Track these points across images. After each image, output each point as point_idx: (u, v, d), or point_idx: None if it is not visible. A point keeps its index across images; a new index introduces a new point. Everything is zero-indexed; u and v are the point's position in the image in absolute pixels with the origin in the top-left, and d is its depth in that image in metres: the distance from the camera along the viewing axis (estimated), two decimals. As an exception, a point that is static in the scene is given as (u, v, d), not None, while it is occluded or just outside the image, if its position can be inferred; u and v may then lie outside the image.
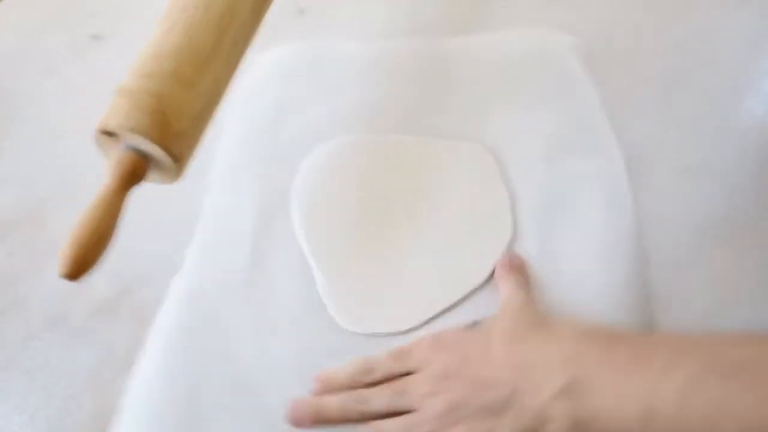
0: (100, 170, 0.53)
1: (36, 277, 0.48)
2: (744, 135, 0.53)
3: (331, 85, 0.56)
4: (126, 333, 0.45)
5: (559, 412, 0.36)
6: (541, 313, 0.42)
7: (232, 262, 0.47)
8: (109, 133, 0.37)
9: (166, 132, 0.37)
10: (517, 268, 0.45)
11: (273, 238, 0.48)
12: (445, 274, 0.46)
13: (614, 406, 0.35)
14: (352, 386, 0.41)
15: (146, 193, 0.52)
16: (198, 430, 0.40)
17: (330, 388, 0.41)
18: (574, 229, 0.47)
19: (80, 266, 0.35)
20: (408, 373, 0.40)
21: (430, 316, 0.44)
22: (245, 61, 0.45)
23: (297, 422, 0.40)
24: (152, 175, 0.39)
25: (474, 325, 0.42)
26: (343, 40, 0.59)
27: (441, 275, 0.46)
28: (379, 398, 0.40)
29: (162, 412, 0.41)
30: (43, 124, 0.58)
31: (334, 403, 0.40)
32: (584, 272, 0.45)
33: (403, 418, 0.39)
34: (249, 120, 0.55)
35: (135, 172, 0.38)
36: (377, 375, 0.41)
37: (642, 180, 0.50)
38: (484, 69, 0.56)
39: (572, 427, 0.35)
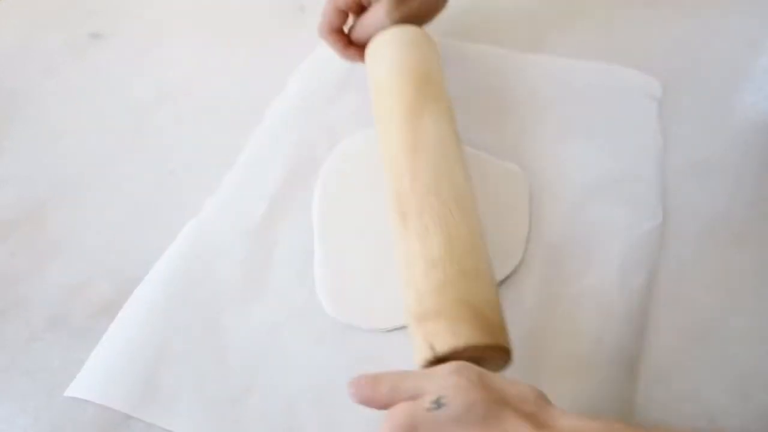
0: (100, 169, 0.54)
1: (37, 278, 0.48)
2: (748, 132, 0.53)
3: None
4: (128, 334, 0.45)
5: None
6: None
7: (245, 218, 0.49)
8: (441, 359, 0.37)
9: (491, 330, 0.37)
10: None
11: (290, 206, 0.50)
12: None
13: None
14: None
15: (148, 193, 0.52)
16: (157, 378, 0.42)
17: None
18: (581, 278, 0.46)
19: None
20: None
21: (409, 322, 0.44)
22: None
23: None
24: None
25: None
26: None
27: None
28: None
29: (133, 351, 0.43)
30: (43, 123, 0.57)
31: None
32: (575, 328, 0.44)
33: None
34: (310, 89, 0.57)
35: None
36: None
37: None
38: (553, 91, 0.56)
39: None
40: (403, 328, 0.44)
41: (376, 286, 0.46)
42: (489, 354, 0.37)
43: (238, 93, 0.58)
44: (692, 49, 0.59)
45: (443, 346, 0.36)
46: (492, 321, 0.37)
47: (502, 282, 0.46)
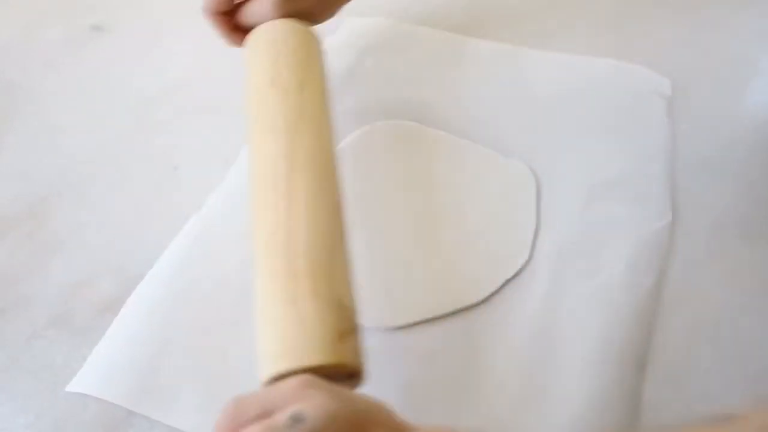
0: (100, 163, 0.53)
1: (39, 276, 0.47)
2: (757, 130, 0.53)
3: (401, 68, 0.57)
4: (131, 332, 0.44)
5: None
6: None
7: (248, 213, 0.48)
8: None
9: (332, 350, 0.34)
10: None
11: None
12: (445, 282, 0.45)
13: None
14: None
15: (150, 193, 0.52)
16: (159, 374, 0.42)
17: None
18: (589, 277, 0.45)
19: None
20: None
21: (416, 320, 0.44)
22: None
23: None
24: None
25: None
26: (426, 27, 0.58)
27: (441, 282, 0.45)
28: None
29: (135, 347, 0.43)
30: (44, 119, 0.57)
31: None
32: (583, 328, 0.43)
33: None
34: None
35: None
36: None
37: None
38: (561, 89, 0.56)
39: None
40: (407, 326, 0.44)
41: (380, 284, 0.46)
42: (334, 373, 0.34)
43: (242, 88, 0.58)
44: (701, 46, 0.59)
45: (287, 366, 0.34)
46: (331, 341, 0.35)
47: (509, 280, 0.45)
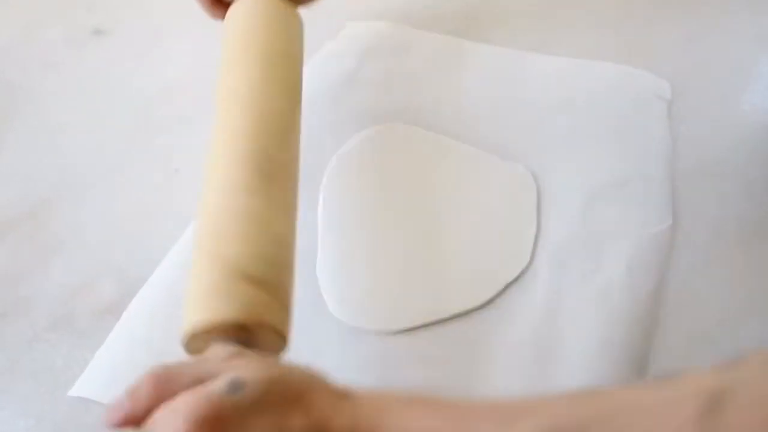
0: (101, 165, 0.53)
1: (39, 277, 0.47)
2: (758, 133, 0.53)
3: (403, 72, 0.57)
4: (132, 334, 0.44)
5: None
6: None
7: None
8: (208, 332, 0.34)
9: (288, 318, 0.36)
10: None
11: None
12: (446, 286, 0.45)
13: None
14: None
15: (151, 195, 0.52)
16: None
17: None
18: (590, 281, 0.45)
19: None
20: None
21: (416, 324, 0.44)
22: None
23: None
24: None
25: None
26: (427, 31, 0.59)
27: (441, 286, 0.45)
28: None
29: (138, 351, 0.43)
30: (45, 120, 0.57)
31: None
32: (584, 331, 0.43)
33: None
34: (316, 87, 0.56)
35: None
36: None
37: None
38: (561, 92, 0.55)
39: None
40: (407, 330, 0.44)
41: (383, 288, 0.46)
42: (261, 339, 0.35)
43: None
44: (701, 49, 0.59)
45: (266, 319, 0.34)
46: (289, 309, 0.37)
47: (510, 284, 0.45)
